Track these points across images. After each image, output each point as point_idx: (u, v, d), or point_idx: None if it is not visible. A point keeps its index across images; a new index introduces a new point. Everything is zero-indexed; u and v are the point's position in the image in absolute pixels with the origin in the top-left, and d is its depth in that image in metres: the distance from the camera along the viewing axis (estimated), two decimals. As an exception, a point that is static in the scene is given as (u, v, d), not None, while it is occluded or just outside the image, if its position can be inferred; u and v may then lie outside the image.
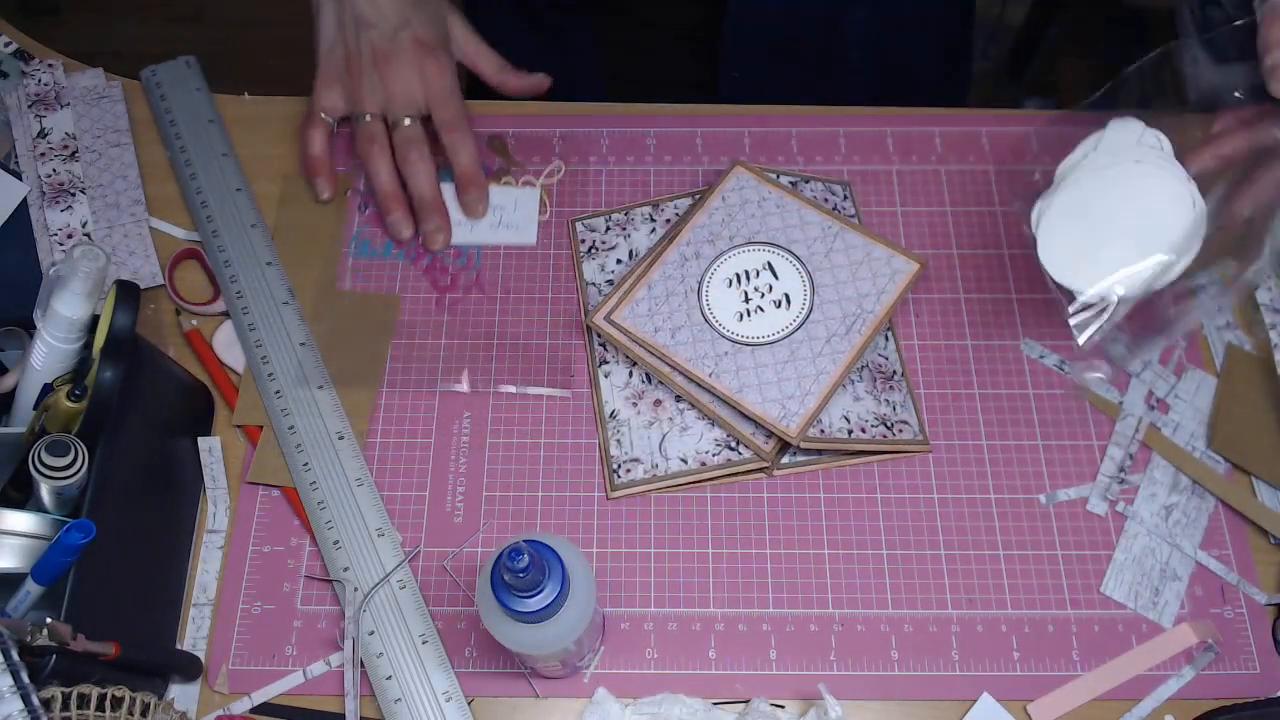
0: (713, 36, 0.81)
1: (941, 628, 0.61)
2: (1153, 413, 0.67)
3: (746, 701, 0.59)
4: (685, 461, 0.64)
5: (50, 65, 0.78)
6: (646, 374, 0.67)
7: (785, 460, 0.65)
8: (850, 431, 0.64)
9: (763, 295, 0.67)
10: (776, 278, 0.68)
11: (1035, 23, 1.59)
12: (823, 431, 0.63)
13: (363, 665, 0.59)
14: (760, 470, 0.65)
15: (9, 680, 0.45)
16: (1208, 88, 1.23)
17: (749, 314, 0.66)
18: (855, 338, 0.65)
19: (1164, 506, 0.64)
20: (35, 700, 0.46)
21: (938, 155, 0.76)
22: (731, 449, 0.64)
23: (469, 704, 0.59)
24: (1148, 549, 0.63)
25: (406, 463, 0.66)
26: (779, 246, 0.69)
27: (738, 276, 0.68)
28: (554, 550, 0.49)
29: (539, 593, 0.48)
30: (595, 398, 0.67)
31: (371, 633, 0.60)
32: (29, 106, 0.76)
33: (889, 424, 0.65)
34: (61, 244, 0.71)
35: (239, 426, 0.67)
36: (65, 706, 0.48)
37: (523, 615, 0.48)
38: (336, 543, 0.62)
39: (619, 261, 0.71)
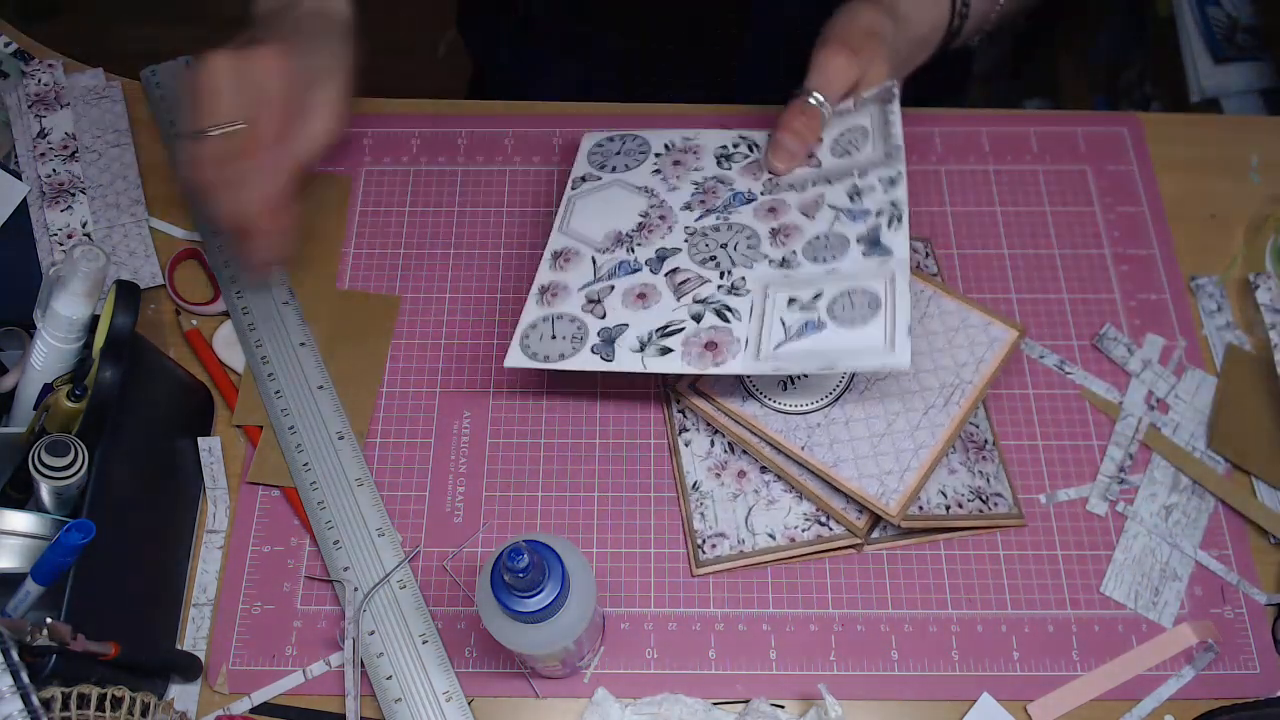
0: (731, 38, 0.81)
1: (941, 628, 0.61)
2: (1153, 413, 0.67)
3: (746, 701, 0.59)
4: (773, 537, 0.62)
5: (50, 65, 0.78)
6: (729, 443, 0.65)
7: (875, 535, 0.63)
8: (948, 507, 0.61)
9: None
10: None
11: (1035, 23, 1.59)
12: (921, 509, 0.61)
13: (363, 665, 0.59)
14: (851, 547, 0.62)
15: (9, 680, 0.45)
16: (1208, 87, 1.23)
17: (792, 381, 0.64)
18: (954, 409, 0.62)
19: (1164, 506, 0.64)
20: (35, 700, 0.46)
21: (938, 155, 0.76)
22: (822, 524, 0.62)
23: (469, 704, 0.58)
24: (1148, 549, 0.63)
25: (406, 463, 0.66)
26: None
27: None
28: (554, 550, 0.49)
29: (539, 593, 0.48)
30: (675, 467, 0.65)
31: (372, 633, 0.60)
32: (29, 106, 0.76)
33: (984, 497, 0.63)
34: (61, 244, 0.71)
35: (239, 426, 0.67)
36: (65, 706, 0.48)
37: (523, 615, 0.48)
38: (336, 543, 0.62)
39: None
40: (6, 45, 0.79)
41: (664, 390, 0.67)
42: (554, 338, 0.61)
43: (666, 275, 0.63)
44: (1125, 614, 0.62)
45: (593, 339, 0.61)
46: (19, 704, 0.45)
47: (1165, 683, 0.60)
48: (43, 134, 0.75)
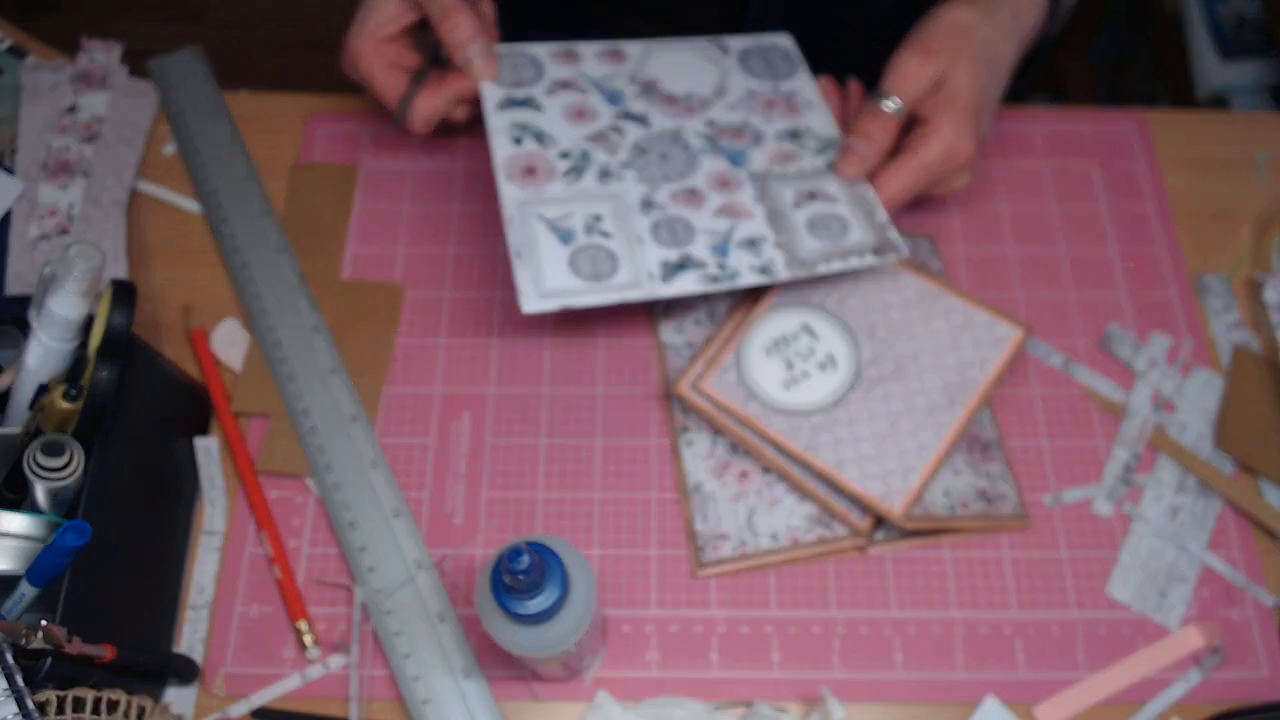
0: (729, 20, 0.80)
1: (945, 630, 0.61)
2: (1159, 413, 0.66)
3: (749, 704, 0.59)
4: (776, 539, 0.61)
5: (110, 47, 0.78)
6: (731, 444, 0.64)
7: (879, 536, 0.62)
8: (953, 508, 0.61)
9: (805, 359, 0.64)
10: (816, 338, 0.64)
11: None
12: (925, 510, 0.60)
13: (376, 637, 0.59)
14: (855, 549, 0.62)
15: (3, 684, 0.45)
16: (1215, 84, 1.22)
17: (795, 381, 0.63)
18: (959, 410, 0.61)
19: (1170, 507, 0.64)
20: (30, 704, 0.45)
21: (941, 153, 0.76)
22: (825, 525, 0.62)
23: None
24: (1154, 550, 0.63)
25: (406, 463, 0.65)
26: (812, 305, 0.65)
27: (775, 343, 0.64)
28: (555, 552, 0.48)
29: (539, 595, 0.47)
30: (677, 468, 0.65)
31: (389, 612, 0.60)
32: (72, 81, 0.76)
33: (989, 498, 0.62)
34: (43, 218, 0.71)
35: (237, 414, 0.66)
36: (60, 710, 0.48)
37: (523, 617, 0.48)
38: (352, 523, 0.62)
39: (697, 323, 0.68)
40: (1, 42, 0.78)
41: (666, 391, 0.67)
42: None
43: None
44: (1131, 616, 0.61)
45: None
46: (14, 708, 0.45)
47: (1172, 686, 0.59)
48: (73, 109, 0.75)
